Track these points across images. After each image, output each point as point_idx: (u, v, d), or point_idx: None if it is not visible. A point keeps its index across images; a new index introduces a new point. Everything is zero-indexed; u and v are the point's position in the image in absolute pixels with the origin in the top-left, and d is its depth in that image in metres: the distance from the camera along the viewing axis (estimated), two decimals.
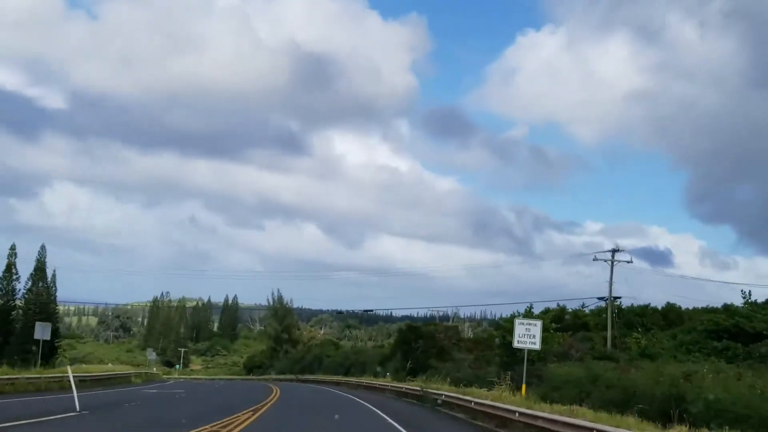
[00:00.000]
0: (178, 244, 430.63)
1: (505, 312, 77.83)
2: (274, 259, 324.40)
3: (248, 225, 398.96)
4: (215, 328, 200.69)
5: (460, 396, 31.20)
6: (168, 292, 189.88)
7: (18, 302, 73.98)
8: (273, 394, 40.67)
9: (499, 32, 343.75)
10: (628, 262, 55.42)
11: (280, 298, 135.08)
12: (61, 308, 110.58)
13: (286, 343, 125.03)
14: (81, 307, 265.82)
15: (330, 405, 34.12)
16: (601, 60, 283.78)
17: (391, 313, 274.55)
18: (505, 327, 39.78)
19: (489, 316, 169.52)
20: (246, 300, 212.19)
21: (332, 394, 47.53)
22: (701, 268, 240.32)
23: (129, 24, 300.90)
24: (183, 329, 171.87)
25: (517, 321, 30.86)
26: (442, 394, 34.37)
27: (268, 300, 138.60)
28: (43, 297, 76.10)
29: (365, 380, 60.03)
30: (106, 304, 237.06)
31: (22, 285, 76.25)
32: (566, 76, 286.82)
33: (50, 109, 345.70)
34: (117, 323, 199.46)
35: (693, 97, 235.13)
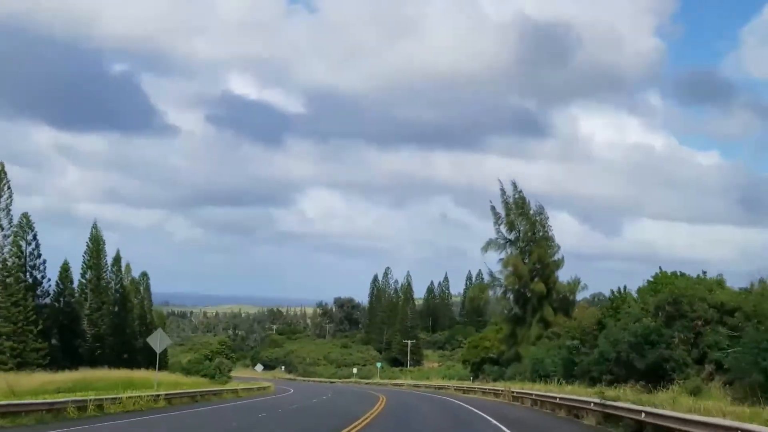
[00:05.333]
0: (427, 242, 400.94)
1: None
2: None
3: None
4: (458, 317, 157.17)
5: None
6: (390, 268, 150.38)
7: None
8: None
9: None
10: None
11: (514, 184, 62.52)
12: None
13: (542, 301, 55.48)
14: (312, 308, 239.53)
15: None
16: None
17: None
18: None
19: None
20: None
21: None
22: None
23: (347, 12, 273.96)
24: (410, 314, 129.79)
25: None
26: None
27: (490, 202, 63.39)
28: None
29: None
30: (327, 303, 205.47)
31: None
32: None
33: (291, 114, 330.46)
34: (341, 314, 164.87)
35: None
